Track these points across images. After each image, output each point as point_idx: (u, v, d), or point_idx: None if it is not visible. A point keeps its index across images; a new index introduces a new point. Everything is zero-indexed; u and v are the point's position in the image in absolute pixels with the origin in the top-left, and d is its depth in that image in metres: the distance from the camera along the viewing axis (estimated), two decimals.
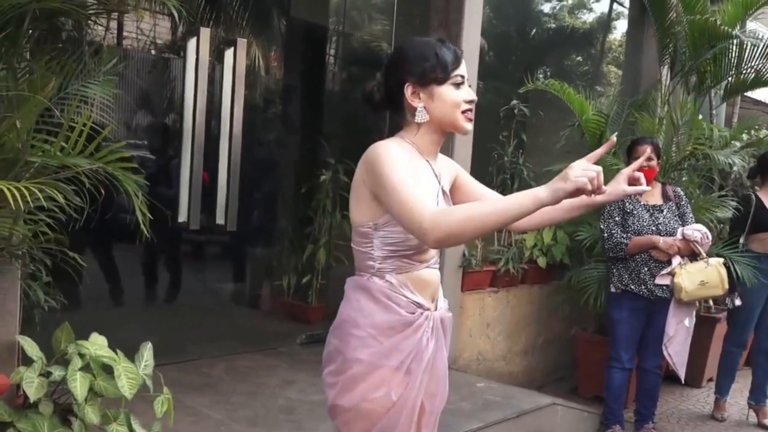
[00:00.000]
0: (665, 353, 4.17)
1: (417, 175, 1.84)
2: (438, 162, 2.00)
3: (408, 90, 1.88)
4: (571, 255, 5.29)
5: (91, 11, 2.54)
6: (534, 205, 1.60)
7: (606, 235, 4.18)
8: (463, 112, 1.88)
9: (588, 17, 7.19)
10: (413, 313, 1.86)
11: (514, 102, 5.08)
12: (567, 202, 1.96)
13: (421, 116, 1.88)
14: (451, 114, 1.88)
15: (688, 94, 5.56)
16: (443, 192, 1.97)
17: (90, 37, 3.40)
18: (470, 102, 1.89)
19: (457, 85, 1.87)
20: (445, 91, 1.86)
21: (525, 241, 5.17)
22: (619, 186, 1.89)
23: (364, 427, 1.86)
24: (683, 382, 4.45)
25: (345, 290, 1.95)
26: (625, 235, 4.11)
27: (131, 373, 2.42)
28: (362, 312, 1.86)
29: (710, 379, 5.75)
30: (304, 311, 5.14)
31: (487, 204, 1.67)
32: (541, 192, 1.60)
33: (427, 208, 1.67)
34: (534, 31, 6.62)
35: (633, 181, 1.90)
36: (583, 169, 1.59)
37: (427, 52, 1.87)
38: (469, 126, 1.91)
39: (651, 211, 4.17)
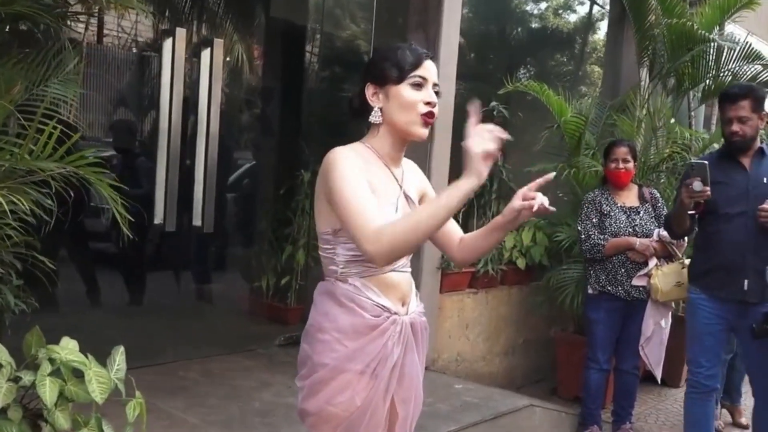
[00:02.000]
0: (641, 353, 4.20)
1: (372, 181, 1.82)
2: (403, 168, 1.99)
3: (369, 91, 1.89)
4: (550, 256, 5.30)
5: (66, 11, 2.52)
6: (466, 194, 1.67)
7: (583, 236, 4.19)
8: (422, 115, 1.85)
9: (568, 18, 7.22)
10: (378, 317, 1.85)
11: (494, 104, 5.08)
12: (488, 227, 1.99)
13: (375, 117, 1.88)
14: (405, 116, 1.86)
15: (667, 96, 5.60)
16: (406, 196, 1.94)
17: (67, 36, 3.36)
18: (428, 104, 1.85)
19: (417, 86, 1.85)
20: (401, 90, 1.85)
21: (504, 243, 5.17)
22: (512, 204, 1.89)
23: (328, 430, 1.85)
24: (659, 382, 4.49)
25: (314, 296, 1.94)
26: (602, 237, 4.13)
27: (102, 378, 2.39)
28: (327, 316, 1.86)
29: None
30: (282, 312, 5.13)
31: (423, 209, 1.73)
32: (461, 189, 1.67)
33: (372, 227, 1.69)
34: (514, 31, 6.63)
35: (528, 200, 1.89)
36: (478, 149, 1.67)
37: (389, 53, 1.88)
38: (424, 131, 1.88)
39: (628, 213, 4.19)
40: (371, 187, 1.81)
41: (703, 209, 3.50)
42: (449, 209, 1.67)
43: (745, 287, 3.45)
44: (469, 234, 2.08)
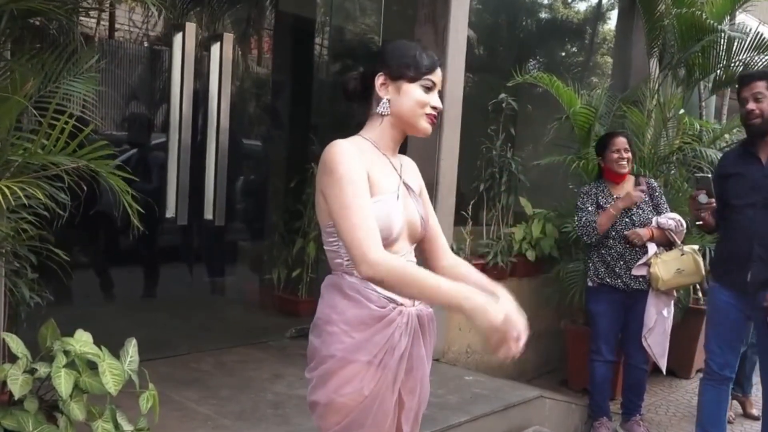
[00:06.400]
0: (645, 344, 4.19)
1: (373, 171, 1.87)
2: (401, 161, 2.04)
3: (378, 80, 1.93)
4: (559, 248, 5.30)
5: (76, 7, 2.54)
6: (455, 308, 1.70)
7: (577, 221, 4.21)
8: (427, 115, 1.94)
9: (578, 9, 7.19)
10: (384, 308, 1.87)
11: (503, 96, 5.07)
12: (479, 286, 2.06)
13: (383, 108, 1.93)
14: (413, 112, 1.93)
15: (677, 86, 5.58)
16: (406, 185, 1.99)
17: (79, 30, 3.39)
18: (435, 108, 1.95)
19: (427, 89, 1.94)
20: (413, 89, 1.92)
21: (514, 235, 5.18)
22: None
23: (336, 421, 1.87)
24: (665, 373, 4.48)
25: (321, 289, 1.97)
26: (593, 213, 4.12)
27: (116, 370, 2.42)
28: (335, 309, 1.88)
29: (699, 370, 5.78)
30: (294, 305, 5.15)
31: (425, 278, 1.74)
32: (465, 303, 1.68)
33: (376, 245, 1.74)
34: (523, 23, 6.61)
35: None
36: (515, 329, 1.71)
37: (407, 51, 1.94)
38: (430, 128, 1.97)
39: None
40: (373, 178, 1.85)
41: (708, 219, 3.63)
42: (445, 299, 1.71)
43: (749, 278, 3.46)
44: (459, 271, 2.09)
